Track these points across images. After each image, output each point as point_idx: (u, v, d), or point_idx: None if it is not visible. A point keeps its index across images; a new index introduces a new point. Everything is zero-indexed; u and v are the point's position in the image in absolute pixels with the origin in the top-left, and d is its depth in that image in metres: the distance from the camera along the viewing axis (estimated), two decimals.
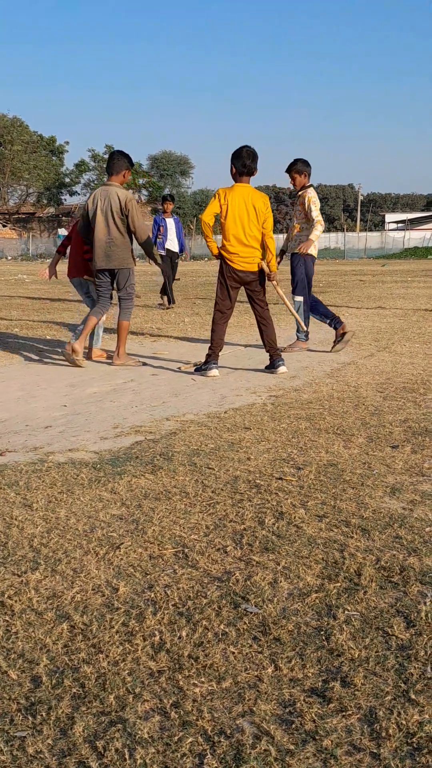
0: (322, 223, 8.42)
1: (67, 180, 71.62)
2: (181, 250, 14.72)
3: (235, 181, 6.88)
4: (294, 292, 8.53)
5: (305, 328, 8.59)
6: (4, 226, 61.35)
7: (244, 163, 6.77)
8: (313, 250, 8.46)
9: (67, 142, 73.13)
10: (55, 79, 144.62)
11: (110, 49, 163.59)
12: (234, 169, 6.85)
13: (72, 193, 72.13)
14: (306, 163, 8.51)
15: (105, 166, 7.28)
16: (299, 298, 8.51)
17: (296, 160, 8.50)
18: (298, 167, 8.47)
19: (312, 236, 8.24)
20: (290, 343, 8.78)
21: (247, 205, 6.76)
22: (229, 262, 6.89)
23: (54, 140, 71.78)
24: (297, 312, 8.42)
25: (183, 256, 14.34)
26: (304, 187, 8.47)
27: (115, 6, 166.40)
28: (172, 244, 14.38)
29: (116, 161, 7.54)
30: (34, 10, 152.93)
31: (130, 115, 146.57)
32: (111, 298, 7.76)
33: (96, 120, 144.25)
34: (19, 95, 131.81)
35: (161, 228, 14.06)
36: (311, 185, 8.55)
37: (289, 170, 8.55)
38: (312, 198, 8.33)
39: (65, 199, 72.52)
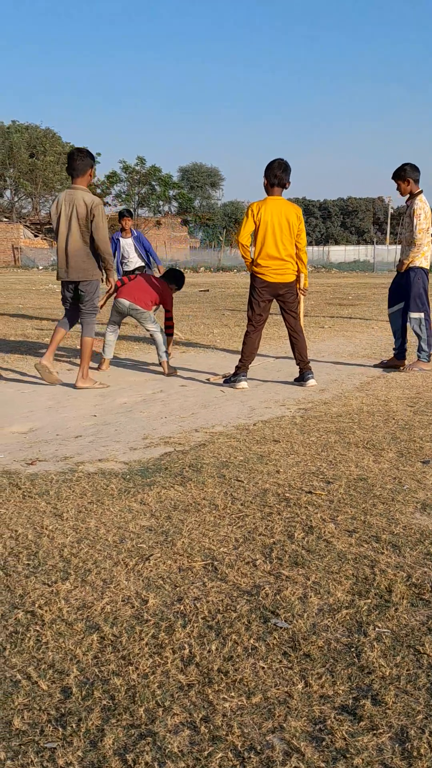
0: (425, 232, 7.82)
1: (99, 191, 72.17)
2: (148, 264, 11.70)
3: (268, 194, 6.88)
4: (410, 309, 7.99)
5: (427, 349, 8.05)
6: (35, 235, 61.91)
7: (275, 174, 6.77)
8: (424, 263, 7.93)
9: (99, 154, 73.76)
10: (87, 92, 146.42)
11: (141, 62, 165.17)
12: (267, 182, 6.85)
13: (103, 204, 72.71)
14: (414, 169, 7.92)
15: (66, 167, 6.98)
16: (418, 315, 7.94)
17: (403, 165, 7.94)
18: (404, 173, 7.91)
19: (414, 251, 7.84)
20: (410, 363, 8.15)
21: (280, 219, 6.76)
22: (261, 276, 6.87)
23: None
24: (419, 329, 7.93)
25: (158, 270, 11.41)
26: (412, 195, 7.95)
27: (146, 21, 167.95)
28: (135, 264, 11.52)
29: (79, 161, 6.95)
30: (69, 25, 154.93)
31: (161, 126, 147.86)
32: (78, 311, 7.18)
33: (127, 132, 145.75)
34: (52, 107, 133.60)
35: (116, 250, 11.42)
36: (421, 191, 7.93)
37: (394, 176, 8.01)
38: (418, 208, 7.80)
39: None
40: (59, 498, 3.66)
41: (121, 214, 11.52)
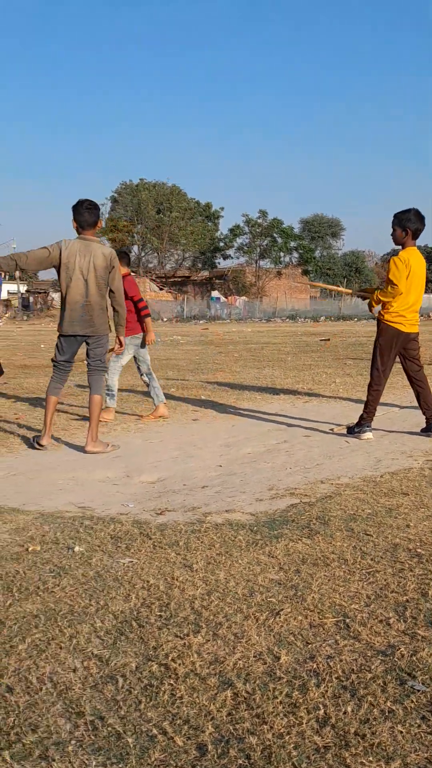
0: None
1: (221, 244, 73.75)
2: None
3: (406, 245, 6.76)
4: None
5: None
6: (161, 288, 63.76)
7: (415, 224, 6.68)
8: None
9: (222, 208, 75.67)
10: (212, 150, 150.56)
11: (265, 121, 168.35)
12: (406, 232, 6.73)
13: (225, 257, 74.14)
14: None
15: (76, 218, 6.42)
16: None
17: None
18: None
19: None
20: None
21: (422, 269, 6.74)
22: (400, 326, 6.77)
23: (210, 206, 74.45)
24: None
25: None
26: None
27: (272, 82, 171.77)
28: None
29: (90, 212, 6.43)
30: (195, 88, 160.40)
31: (283, 181, 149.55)
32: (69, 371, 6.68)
33: (250, 187, 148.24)
34: (178, 165, 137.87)
35: None
36: None
37: None
38: None
39: (219, 263, 74.64)
40: (188, 549, 3.68)
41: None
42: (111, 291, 6.52)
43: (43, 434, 6.41)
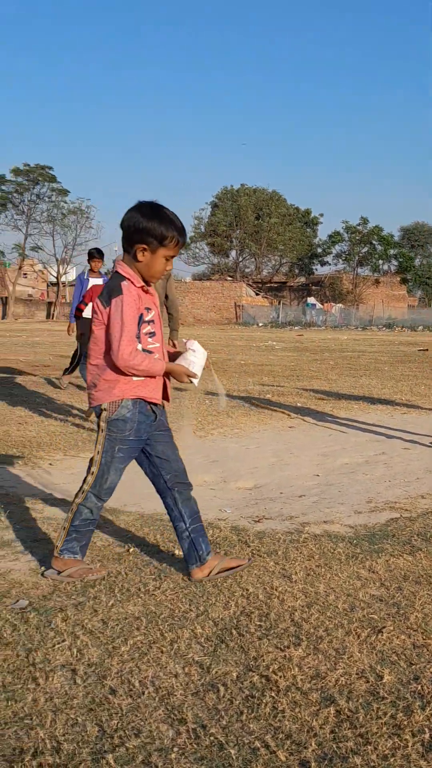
0: None
1: (319, 251, 73.32)
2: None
3: None
4: None
5: None
6: (257, 294, 63.84)
7: None
8: None
9: (321, 215, 75.14)
10: (312, 157, 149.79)
11: (366, 128, 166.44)
12: None
13: (323, 263, 73.67)
14: None
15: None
16: None
17: None
18: None
19: None
20: None
21: None
22: None
23: (309, 212, 74.10)
24: None
25: None
26: None
27: (373, 95, 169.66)
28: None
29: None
30: (308, 97, 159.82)
31: (384, 189, 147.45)
32: None
33: (350, 194, 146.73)
34: (278, 170, 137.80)
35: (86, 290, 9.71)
36: None
37: None
38: None
39: (316, 269, 74.24)
40: (287, 559, 3.66)
41: (90, 254, 10.12)
42: (166, 297, 7.45)
43: None
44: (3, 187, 63.03)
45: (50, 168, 63.44)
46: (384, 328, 53.58)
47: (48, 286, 74.80)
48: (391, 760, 1.99)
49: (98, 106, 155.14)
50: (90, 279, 9.98)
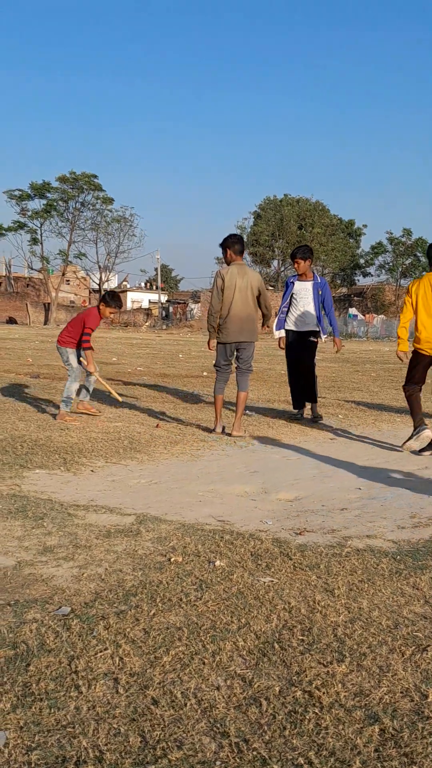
0: None
1: (362, 261, 72.97)
2: (321, 330, 9.18)
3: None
4: None
5: None
6: None
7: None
8: None
9: (365, 225, 74.82)
10: (356, 169, 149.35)
11: (407, 137, 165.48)
12: None
13: (365, 275, 73.28)
14: None
15: (231, 248, 7.82)
16: None
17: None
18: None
19: None
20: None
21: None
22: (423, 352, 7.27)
23: (352, 223, 73.82)
24: None
25: (324, 339, 9.31)
26: None
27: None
28: (301, 321, 9.12)
29: (240, 243, 7.89)
30: (348, 114, 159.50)
31: (427, 200, 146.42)
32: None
33: (394, 206, 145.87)
34: (323, 182, 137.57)
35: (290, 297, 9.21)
36: None
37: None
38: None
39: (358, 280, 73.87)
40: (329, 573, 3.62)
41: (293, 254, 9.18)
42: (266, 306, 7.95)
43: (215, 425, 7.92)
44: (48, 195, 63.90)
45: (95, 176, 64.18)
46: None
47: (90, 293, 75.64)
48: None
49: (143, 118, 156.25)
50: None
